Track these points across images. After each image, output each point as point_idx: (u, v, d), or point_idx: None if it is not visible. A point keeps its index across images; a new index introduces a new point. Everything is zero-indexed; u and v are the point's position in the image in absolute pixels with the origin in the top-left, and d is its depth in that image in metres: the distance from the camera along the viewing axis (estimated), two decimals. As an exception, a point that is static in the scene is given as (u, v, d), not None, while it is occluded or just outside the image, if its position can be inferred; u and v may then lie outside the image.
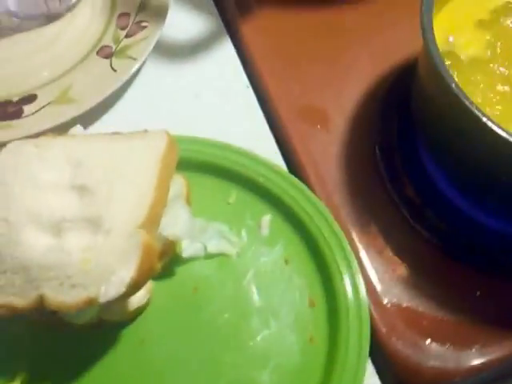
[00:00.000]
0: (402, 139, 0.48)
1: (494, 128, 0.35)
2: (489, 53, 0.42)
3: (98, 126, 0.50)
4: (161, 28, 0.52)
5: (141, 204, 0.36)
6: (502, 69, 0.41)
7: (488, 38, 0.43)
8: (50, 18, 0.54)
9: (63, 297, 0.34)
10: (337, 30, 0.54)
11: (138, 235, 0.35)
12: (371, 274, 0.43)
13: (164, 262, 0.41)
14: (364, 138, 0.48)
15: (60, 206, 0.37)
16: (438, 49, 0.38)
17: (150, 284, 0.41)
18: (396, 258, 0.44)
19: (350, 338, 0.40)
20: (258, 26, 0.54)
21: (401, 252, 0.44)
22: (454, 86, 0.36)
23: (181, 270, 0.43)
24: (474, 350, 0.41)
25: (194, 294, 0.42)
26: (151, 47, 0.50)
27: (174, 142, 0.40)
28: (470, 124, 0.36)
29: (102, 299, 0.34)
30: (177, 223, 0.40)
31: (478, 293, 0.43)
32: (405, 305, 0.42)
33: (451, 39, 0.43)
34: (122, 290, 0.34)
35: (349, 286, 0.42)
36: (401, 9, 0.53)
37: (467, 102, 0.35)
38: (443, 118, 0.41)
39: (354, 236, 0.45)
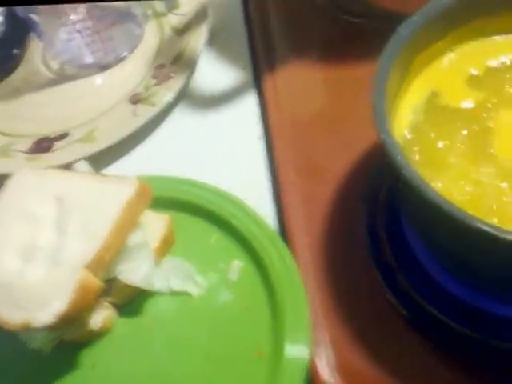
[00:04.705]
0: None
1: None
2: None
3: (116, 167, 0.55)
4: (184, 79, 0.56)
5: (92, 245, 0.40)
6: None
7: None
8: (102, 67, 0.61)
9: (8, 316, 0.39)
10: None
11: (79, 273, 0.38)
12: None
13: (128, 293, 0.44)
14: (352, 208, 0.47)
15: (38, 236, 0.41)
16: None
17: (109, 311, 0.44)
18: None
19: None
20: (281, 81, 0.56)
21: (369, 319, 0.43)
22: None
23: (143, 301, 0.45)
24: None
25: (150, 326, 0.44)
26: (171, 96, 0.55)
27: (145, 190, 0.43)
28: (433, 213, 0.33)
29: (35, 325, 0.37)
30: (136, 272, 0.43)
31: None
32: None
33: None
34: (52, 320, 0.37)
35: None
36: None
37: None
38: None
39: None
